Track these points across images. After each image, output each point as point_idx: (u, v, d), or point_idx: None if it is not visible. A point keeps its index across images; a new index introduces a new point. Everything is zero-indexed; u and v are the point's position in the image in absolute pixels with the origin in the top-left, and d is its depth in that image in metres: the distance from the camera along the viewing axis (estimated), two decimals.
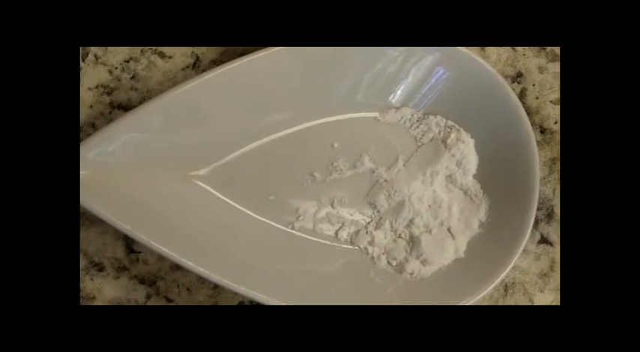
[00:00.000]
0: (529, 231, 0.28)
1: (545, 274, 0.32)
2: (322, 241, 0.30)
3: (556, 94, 0.33)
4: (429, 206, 0.30)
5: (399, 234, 0.30)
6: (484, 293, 0.27)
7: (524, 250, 0.31)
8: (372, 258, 0.30)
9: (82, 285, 0.30)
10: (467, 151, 0.30)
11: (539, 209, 0.32)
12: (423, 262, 0.29)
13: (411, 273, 0.29)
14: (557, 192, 0.32)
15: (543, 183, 0.32)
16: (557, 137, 0.32)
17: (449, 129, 0.31)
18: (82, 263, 0.30)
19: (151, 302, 0.30)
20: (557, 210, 0.32)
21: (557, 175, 0.32)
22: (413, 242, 0.30)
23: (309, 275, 0.29)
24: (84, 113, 0.30)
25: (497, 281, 0.28)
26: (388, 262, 0.30)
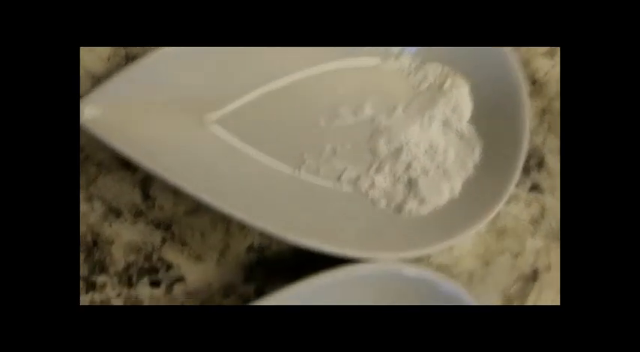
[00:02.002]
0: (519, 171, 0.29)
1: (535, 220, 0.33)
2: (325, 185, 0.31)
3: (546, 48, 0.34)
4: (426, 150, 0.31)
5: (398, 178, 0.31)
6: (476, 228, 0.29)
7: (515, 197, 0.33)
8: (372, 200, 0.31)
9: (100, 230, 0.31)
10: (462, 97, 0.31)
11: (529, 157, 0.33)
12: (420, 201, 0.30)
13: (409, 212, 0.30)
14: (547, 141, 0.34)
15: (534, 134, 0.33)
16: (547, 88, 0.34)
17: (445, 76, 0.32)
18: (101, 209, 0.31)
19: (166, 247, 0.31)
20: (547, 159, 0.33)
21: (546, 125, 0.34)
22: (411, 184, 0.31)
23: (313, 215, 0.30)
24: (101, 66, 0.32)
25: (489, 218, 0.29)
26: (387, 204, 0.31)
